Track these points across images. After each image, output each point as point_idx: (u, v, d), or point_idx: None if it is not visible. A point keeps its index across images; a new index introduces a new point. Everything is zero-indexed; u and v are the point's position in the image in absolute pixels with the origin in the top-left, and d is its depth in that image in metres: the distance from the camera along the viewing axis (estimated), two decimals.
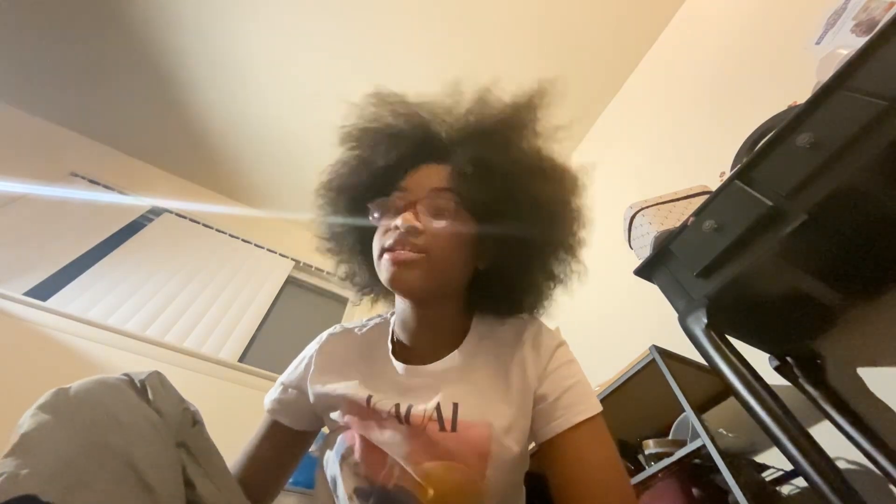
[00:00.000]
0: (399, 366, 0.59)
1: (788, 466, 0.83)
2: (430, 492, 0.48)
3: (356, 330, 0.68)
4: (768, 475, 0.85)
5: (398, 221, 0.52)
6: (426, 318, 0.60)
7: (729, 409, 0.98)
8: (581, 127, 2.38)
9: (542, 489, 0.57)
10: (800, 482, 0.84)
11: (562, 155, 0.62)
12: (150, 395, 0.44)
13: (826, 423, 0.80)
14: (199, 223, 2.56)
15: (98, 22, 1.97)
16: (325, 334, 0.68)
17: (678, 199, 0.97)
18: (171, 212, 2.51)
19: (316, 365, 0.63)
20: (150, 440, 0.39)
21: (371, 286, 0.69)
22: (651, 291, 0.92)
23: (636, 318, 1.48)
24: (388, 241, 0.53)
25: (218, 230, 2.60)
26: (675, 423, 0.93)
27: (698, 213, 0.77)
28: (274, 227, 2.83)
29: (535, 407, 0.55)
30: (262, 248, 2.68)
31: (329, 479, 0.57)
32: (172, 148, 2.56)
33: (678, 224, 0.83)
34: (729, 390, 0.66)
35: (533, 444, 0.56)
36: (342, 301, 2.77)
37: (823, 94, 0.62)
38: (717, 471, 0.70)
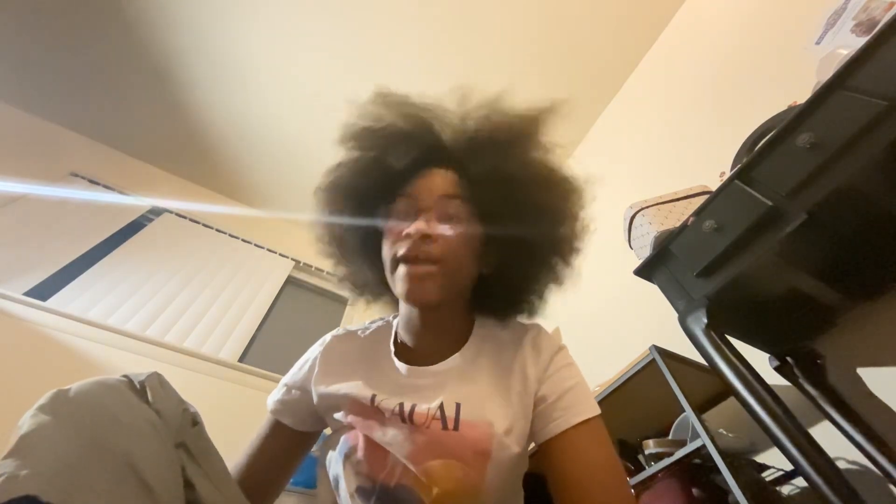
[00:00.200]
0: (402, 366, 0.60)
1: (788, 466, 0.83)
2: (435, 490, 0.49)
3: (359, 332, 0.68)
4: (768, 475, 0.85)
5: (411, 230, 0.53)
6: (431, 321, 0.61)
7: (729, 409, 0.98)
8: (581, 127, 2.38)
9: (541, 490, 0.57)
10: (800, 482, 0.84)
11: (563, 157, 0.63)
12: (150, 396, 0.44)
13: (826, 423, 0.80)
14: (199, 223, 2.56)
15: (98, 22, 1.97)
16: (328, 336, 0.69)
17: (678, 199, 0.97)
18: (171, 212, 2.51)
19: (320, 366, 0.63)
20: (149, 441, 0.39)
21: (369, 288, 0.69)
22: (651, 291, 0.92)
23: (636, 318, 1.48)
24: (402, 250, 0.54)
25: (218, 230, 2.60)
26: (675, 423, 0.93)
27: (698, 213, 0.77)
28: (274, 227, 2.83)
29: (535, 408, 0.56)
30: (262, 248, 2.68)
31: (332, 478, 0.57)
32: (172, 148, 2.56)
33: (678, 224, 0.83)
34: (729, 390, 0.66)
35: (532, 445, 0.57)
36: (342, 301, 2.77)
37: (823, 94, 0.62)
38: (717, 471, 0.70)
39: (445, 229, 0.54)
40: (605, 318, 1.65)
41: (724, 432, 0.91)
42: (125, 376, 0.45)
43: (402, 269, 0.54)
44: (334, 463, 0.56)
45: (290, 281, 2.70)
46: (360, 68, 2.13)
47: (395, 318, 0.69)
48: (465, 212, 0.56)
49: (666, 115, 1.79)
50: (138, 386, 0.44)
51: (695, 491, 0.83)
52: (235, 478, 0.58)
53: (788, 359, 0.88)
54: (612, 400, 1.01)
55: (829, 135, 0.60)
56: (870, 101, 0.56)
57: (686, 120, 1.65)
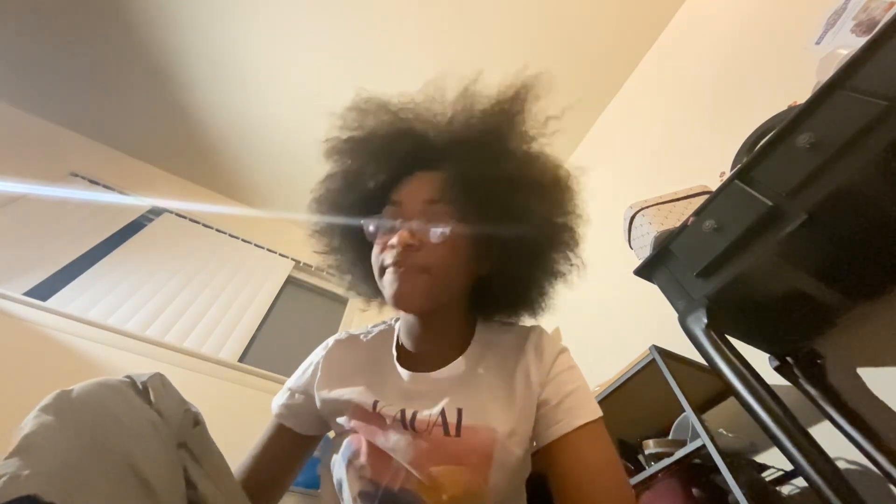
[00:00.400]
0: (404, 372, 0.60)
1: (788, 466, 0.83)
2: (444, 495, 0.49)
3: (361, 336, 0.68)
4: (768, 475, 0.85)
5: (394, 240, 0.52)
6: (430, 326, 0.60)
7: (729, 409, 0.99)
8: (581, 127, 2.38)
9: (542, 492, 0.57)
10: (800, 482, 0.84)
11: (558, 154, 0.61)
12: (152, 397, 0.44)
13: (826, 423, 0.80)
14: (199, 223, 2.56)
15: (98, 22, 1.97)
16: (331, 340, 0.69)
17: (678, 199, 0.97)
18: (171, 212, 2.51)
19: (323, 371, 0.63)
20: (151, 441, 0.39)
21: (375, 296, 0.69)
22: (651, 291, 0.92)
23: (636, 318, 1.48)
24: (388, 260, 0.53)
25: (218, 230, 2.59)
26: (675, 423, 0.93)
27: (698, 213, 0.77)
28: (274, 227, 2.83)
29: (538, 412, 0.55)
30: (262, 248, 2.68)
31: (335, 482, 0.57)
32: (172, 148, 2.56)
33: (678, 224, 0.83)
34: (729, 390, 0.66)
35: (534, 445, 0.57)
36: (342, 301, 2.77)
37: (823, 94, 0.62)
38: (717, 471, 0.70)
39: (431, 236, 0.53)
40: (605, 318, 1.65)
41: (724, 432, 0.91)
42: (127, 377, 0.45)
43: (387, 276, 0.53)
44: (338, 466, 0.56)
45: (290, 281, 2.70)
46: (360, 68, 2.13)
47: (396, 321, 0.68)
48: (453, 214, 0.55)
49: (666, 115, 1.79)
50: (140, 387, 0.44)
51: (695, 491, 0.83)
52: (239, 479, 0.58)
53: (788, 359, 0.88)
54: (612, 400, 1.01)
55: (829, 135, 0.60)
56: (870, 101, 0.56)
57: (686, 120, 1.65)
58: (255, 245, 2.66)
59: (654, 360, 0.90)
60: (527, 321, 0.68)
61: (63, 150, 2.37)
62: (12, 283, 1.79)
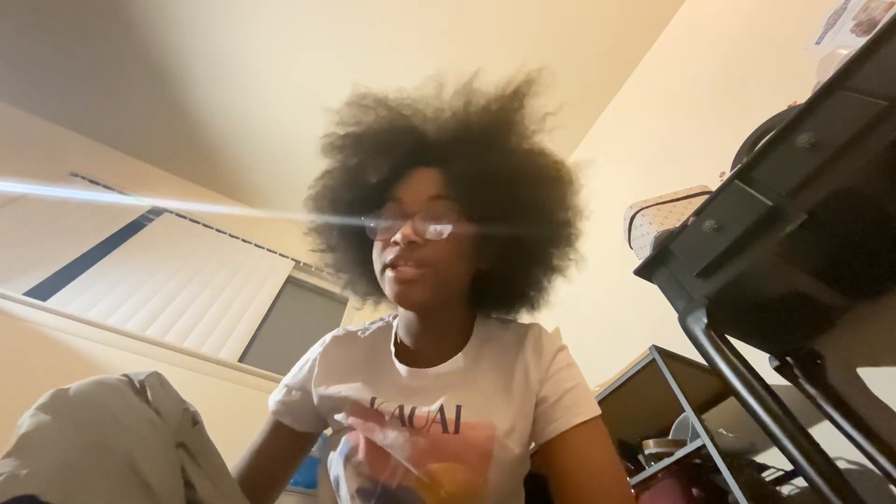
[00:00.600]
0: (403, 368, 0.60)
1: (788, 466, 0.83)
2: (442, 493, 0.49)
3: (359, 333, 0.68)
4: (768, 475, 0.85)
5: (397, 237, 0.52)
6: (430, 322, 0.60)
7: (729, 409, 0.98)
8: (581, 127, 2.38)
9: (541, 490, 0.57)
10: (800, 482, 0.84)
11: (559, 152, 0.61)
12: (150, 396, 0.44)
13: (826, 423, 0.80)
14: (199, 223, 2.56)
15: (98, 22, 1.97)
16: (328, 337, 0.68)
17: (678, 199, 0.97)
18: (171, 212, 2.51)
19: (320, 367, 0.63)
20: (149, 441, 0.39)
21: (372, 294, 0.69)
22: (651, 291, 0.92)
23: (636, 318, 1.48)
24: (389, 257, 0.53)
25: (218, 230, 2.60)
26: (675, 423, 0.93)
27: (698, 213, 0.77)
28: (274, 227, 2.83)
29: (536, 409, 0.55)
30: (262, 248, 2.68)
31: (332, 479, 0.57)
32: (172, 148, 2.56)
33: (678, 224, 0.83)
34: (729, 390, 0.66)
35: (533, 445, 0.57)
36: (342, 301, 2.77)
37: (823, 94, 0.62)
38: (717, 471, 0.70)
39: (434, 232, 0.53)
40: (605, 318, 1.65)
41: (724, 432, 0.91)
42: (125, 376, 0.44)
43: (389, 272, 0.53)
44: (335, 464, 0.56)
45: (290, 281, 2.70)
46: (361, 68, 2.13)
47: (394, 318, 0.68)
48: (454, 211, 0.55)
49: (666, 115, 1.79)
50: (138, 385, 0.44)
51: (695, 491, 0.83)
52: (236, 477, 0.58)
53: (788, 359, 0.88)
54: (612, 400, 1.01)
55: (829, 135, 0.60)
56: (870, 101, 0.56)
57: (686, 120, 1.65)
58: (255, 245, 2.66)
59: (654, 360, 0.90)
60: (525, 317, 0.67)
61: (63, 150, 2.37)
62: (12, 283, 1.79)
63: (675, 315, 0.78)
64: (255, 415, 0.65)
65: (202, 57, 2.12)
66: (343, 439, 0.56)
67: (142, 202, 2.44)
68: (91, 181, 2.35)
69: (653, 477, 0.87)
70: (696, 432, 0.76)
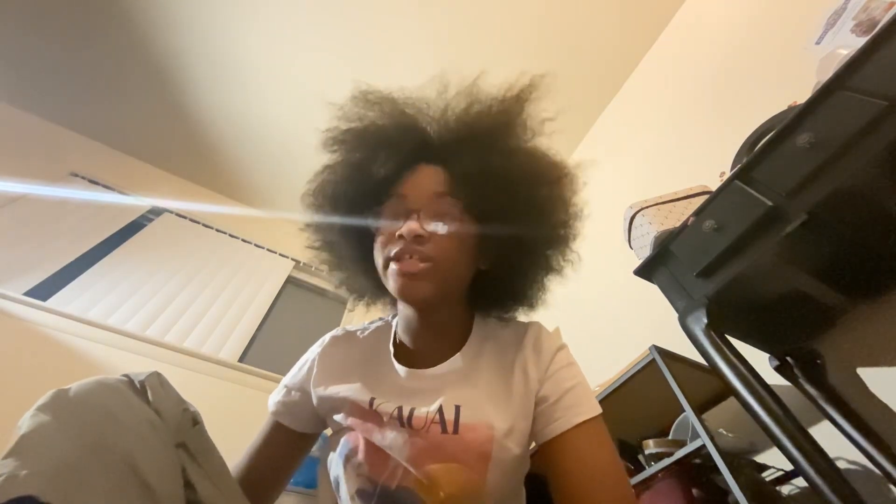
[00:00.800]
0: (401, 369, 0.60)
1: (788, 466, 0.83)
2: (441, 493, 0.49)
3: (358, 333, 0.68)
4: (768, 475, 0.85)
5: (403, 231, 0.52)
6: (430, 321, 0.60)
7: (729, 409, 0.98)
8: (581, 127, 2.38)
9: (541, 490, 0.57)
10: (800, 482, 0.84)
11: (560, 153, 0.62)
12: (150, 396, 0.44)
13: (826, 423, 0.80)
14: (199, 223, 2.56)
15: (98, 22, 1.97)
16: (327, 337, 0.68)
17: (678, 199, 0.97)
18: (171, 212, 2.51)
19: (319, 368, 0.63)
20: (149, 441, 0.39)
21: (367, 292, 0.68)
22: (651, 291, 0.92)
23: (636, 318, 1.48)
24: (394, 251, 0.53)
25: (218, 230, 2.60)
26: (675, 423, 0.93)
27: (698, 213, 0.77)
28: (274, 227, 2.83)
29: (536, 409, 0.55)
30: (262, 248, 2.68)
31: (332, 480, 0.57)
32: (172, 148, 2.56)
33: (678, 224, 0.83)
34: (729, 390, 0.66)
35: (533, 445, 0.57)
36: (342, 301, 2.77)
37: (823, 94, 0.62)
38: (717, 471, 0.70)
39: (438, 228, 0.54)
40: (605, 318, 1.65)
41: (724, 432, 0.91)
42: (125, 376, 0.44)
43: (393, 266, 0.53)
44: (335, 464, 0.56)
45: (290, 281, 2.70)
46: (361, 68, 2.13)
47: (394, 318, 0.68)
48: (458, 209, 0.55)
49: (666, 115, 1.79)
50: (138, 385, 0.44)
51: (695, 491, 0.83)
52: (236, 478, 0.58)
53: (788, 359, 0.88)
54: (612, 400, 1.01)
55: (829, 135, 0.60)
56: (870, 101, 0.56)
57: (686, 120, 1.65)
58: (255, 245, 2.66)
59: (654, 360, 0.90)
60: (524, 316, 0.67)
61: (63, 150, 2.37)
62: (12, 283, 1.79)
63: (675, 315, 0.77)
64: (255, 415, 0.65)
65: (202, 57, 2.12)
66: (342, 440, 0.56)
67: (142, 202, 2.44)
68: (91, 181, 2.35)
69: (653, 477, 0.87)
70: (696, 432, 0.76)
